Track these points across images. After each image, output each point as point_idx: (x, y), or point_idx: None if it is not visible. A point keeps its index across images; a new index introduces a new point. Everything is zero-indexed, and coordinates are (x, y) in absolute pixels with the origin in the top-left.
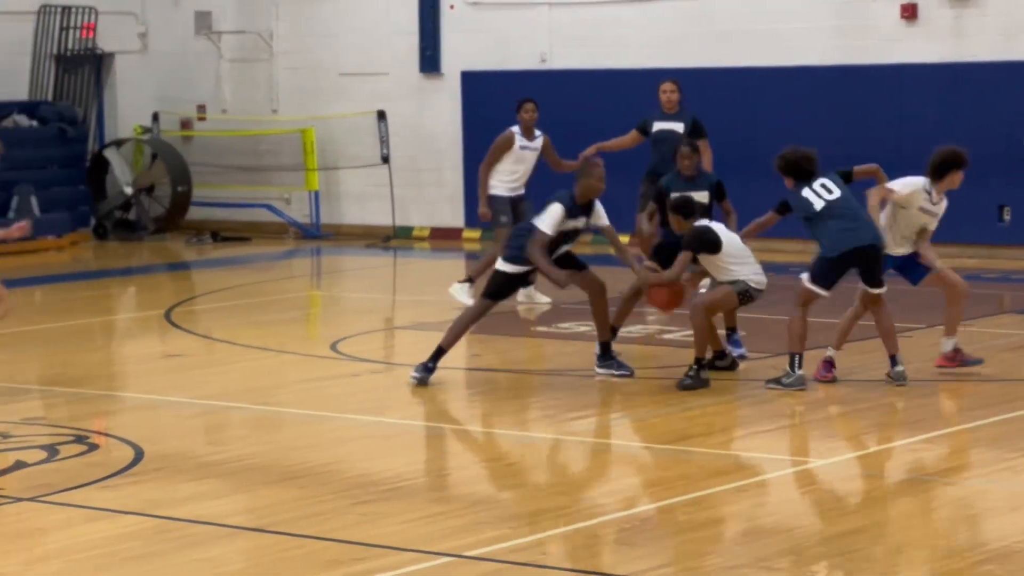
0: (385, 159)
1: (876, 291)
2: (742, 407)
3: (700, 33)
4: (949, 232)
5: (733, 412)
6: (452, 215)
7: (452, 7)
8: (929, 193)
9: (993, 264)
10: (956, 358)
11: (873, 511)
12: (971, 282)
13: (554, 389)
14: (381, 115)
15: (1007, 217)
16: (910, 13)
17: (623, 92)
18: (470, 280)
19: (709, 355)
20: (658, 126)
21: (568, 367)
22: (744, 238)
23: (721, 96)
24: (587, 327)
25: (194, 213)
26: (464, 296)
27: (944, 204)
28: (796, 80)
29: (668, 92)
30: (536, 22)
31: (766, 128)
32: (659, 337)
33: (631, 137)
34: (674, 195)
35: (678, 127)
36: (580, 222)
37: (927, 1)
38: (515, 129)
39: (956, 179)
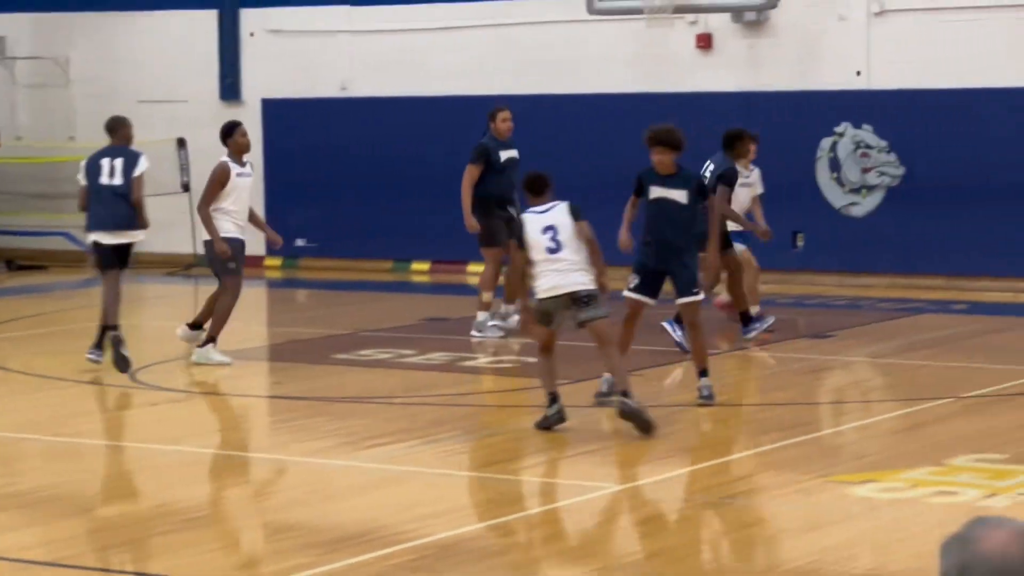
0: (186, 187)
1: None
2: (547, 432)
3: (501, 61)
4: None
5: (537, 437)
6: (253, 243)
7: (252, 34)
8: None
9: (787, 290)
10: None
11: (670, 534)
12: (766, 307)
13: (355, 416)
14: (181, 143)
15: (800, 243)
16: (705, 43)
17: (424, 119)
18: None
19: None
20: (505, 155)
21: (369, 394)
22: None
23: (522, 123)
24: (388, 354)
25: None
26: (216, 356)
27: (757, 172)
28: (595, 108)
29: (509, 120)
30: (337, 49)
31: (567, 155)
32: (459, 364)
33: (474, 172)
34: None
35: (516, 154)
36: None
37: (722, 31)
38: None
39: (750, 148)
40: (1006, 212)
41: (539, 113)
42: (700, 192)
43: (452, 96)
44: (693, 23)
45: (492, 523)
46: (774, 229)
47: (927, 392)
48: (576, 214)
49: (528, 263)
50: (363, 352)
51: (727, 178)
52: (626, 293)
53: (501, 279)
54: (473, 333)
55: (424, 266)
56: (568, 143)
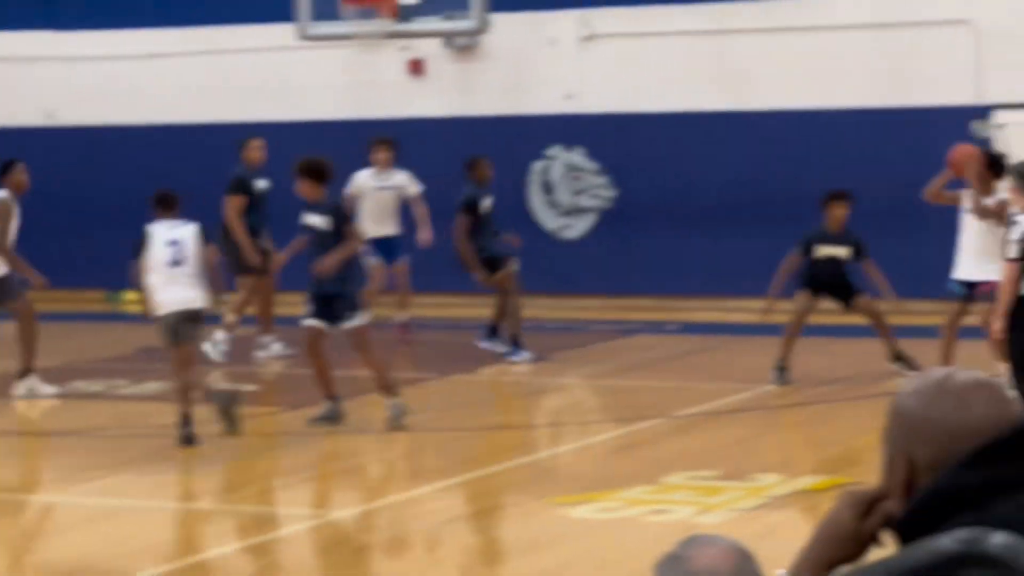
0: None
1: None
2: (262, 461)
3: (214, 88)
4: (464, 282)
5: (255, 467)
6: None
7: None
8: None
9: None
10: None
11: (392, 560)
12: (451, 332)
13: (66, 450)
14: None
15: (514, 267)
16: (417, 68)
17: (134, 148)
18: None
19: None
20: (261, 185)
21: (81, 427)
22: None
23: (234, 152)
24: (102, 386)
25: None
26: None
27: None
28: (308, 135)
29: (262, 148)
30: (42, 77)
31: (279, 183)
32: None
33: (236, 203)
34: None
35: (267, 183)
36: None
37: (434, 56)
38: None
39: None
40: (713, 233)
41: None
42: (340, 218)
43: (163, 125)
44: (404, 49)
45: (208, 555)
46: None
47: (642, 412)
48: (205, 238)
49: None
50: (76, 384)
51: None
52: (304, 322)
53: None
54: (206, 347)
55: (137, 296)
56: (281, 171)
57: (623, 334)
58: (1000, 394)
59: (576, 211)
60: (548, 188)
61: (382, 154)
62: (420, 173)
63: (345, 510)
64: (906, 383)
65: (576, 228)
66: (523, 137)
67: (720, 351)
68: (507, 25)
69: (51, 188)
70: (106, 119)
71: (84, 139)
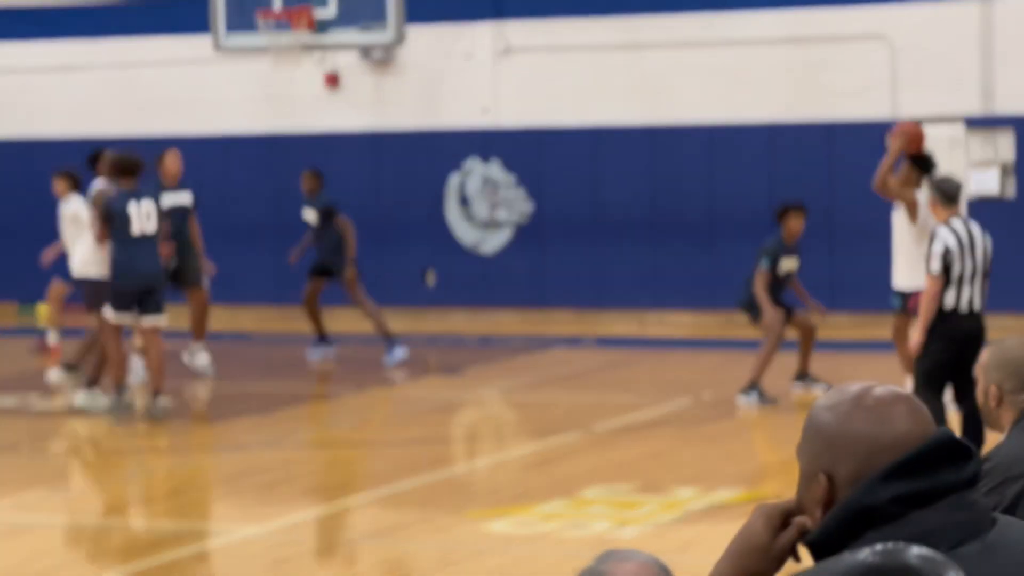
0: None
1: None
2: (172, 476)
3: (123, 102)
4: (380, 295)
5: (162, 483)
6: None
7: None
8: None
9: (417, 327)
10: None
11: None
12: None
13: None
14: None
15: (431, 280)
16: (333, 81)
17: (39, 162)
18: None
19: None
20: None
21: None
22: None
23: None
24: (14, 401)
25: None
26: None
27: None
28: (223, 149)
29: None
30: None
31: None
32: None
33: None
34: None
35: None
36: None
37: (350, 69)
38: None
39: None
40: (630, 246)
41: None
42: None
43: (75, 138)
44: (321, 61)
45: (120, 571)
46: (406, 266)
47: (558, 426)
48: None
49: None
50: None
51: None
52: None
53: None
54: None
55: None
56: (194, 186)
57: (540, 348)
58: (917, 407)
59: (493, 225)
60: (465, 201)
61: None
62: (337, 187)
63: (262, 525)
64: (822, 398)
65: (493, 242)
66: (439, 150)
67: (637, 365)
68: (423, 38)
69: None
70: (13, 132)
71: None
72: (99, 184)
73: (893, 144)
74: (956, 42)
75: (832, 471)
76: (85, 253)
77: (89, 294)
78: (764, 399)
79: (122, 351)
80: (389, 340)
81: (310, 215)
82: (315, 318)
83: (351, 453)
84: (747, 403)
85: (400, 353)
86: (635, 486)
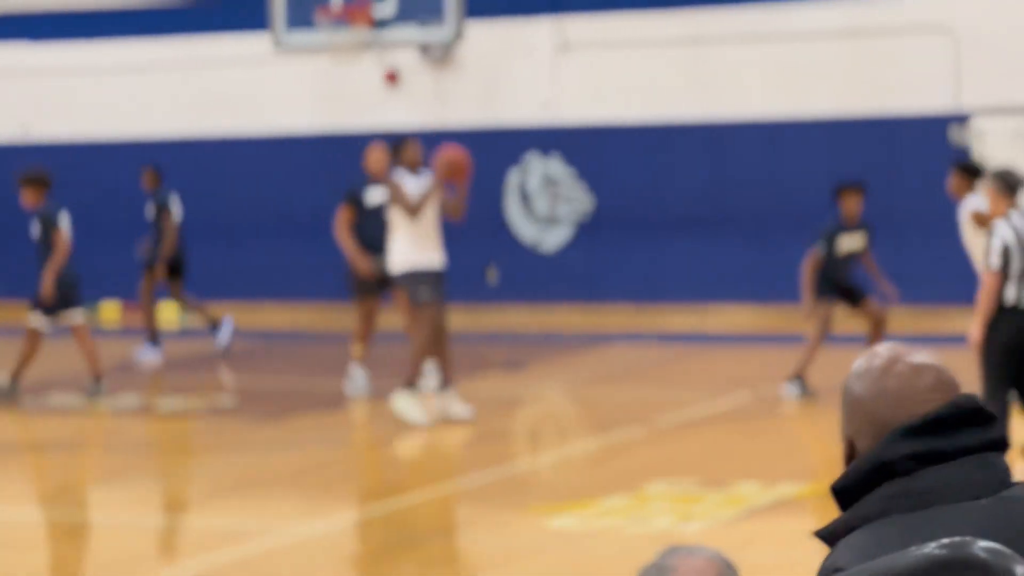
0: None
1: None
2: (241, 473)
3: (183, 101)
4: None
5: (231, 478)
6: None
7: None
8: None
9: (479, 323)
10: None
11: (372, 571)
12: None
13: (43, 463)
14: None
15: (493, 277)
16: (392, 78)
17: (108, 162)
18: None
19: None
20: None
21: (60, 440)
22: None
23: (203, 167)
24: (78, 400)
25: None
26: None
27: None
28: (282, 148)
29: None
30: (17, 90)
31: (253, 196)
32: (148, 408)
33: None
34: None
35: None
36: None
37: (409, 66)
38: None
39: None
40: (690, 241)
41: (224, 154)
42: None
43: (136, 138)
44: (380, 58)
45: (192, 566)
46: (466, 263)
47: (619, 421)
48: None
49: None
50: (51, 397)
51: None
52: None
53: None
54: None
55: (114, 308)
56: (255, 184)
57: (599, 343)
58: (944, 376)
59: (553, 221)
60: (525, 198)
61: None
62: None
63: (326, 522)
64: (855, 364)
65: (553, 238)
66: (499, 147)
67: (697, 359)
68: (482, 34)
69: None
70: (80, 133)
71: (60, 153)
72: None
73: (437, 174)
74: (1019, 33)
75: (855, 437)
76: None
77: None
78: (804, 391)
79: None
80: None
81: (151, 211)
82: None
83: (413, 450)
84: (789, 394)
85: (226, 333)
86: (697, 481)
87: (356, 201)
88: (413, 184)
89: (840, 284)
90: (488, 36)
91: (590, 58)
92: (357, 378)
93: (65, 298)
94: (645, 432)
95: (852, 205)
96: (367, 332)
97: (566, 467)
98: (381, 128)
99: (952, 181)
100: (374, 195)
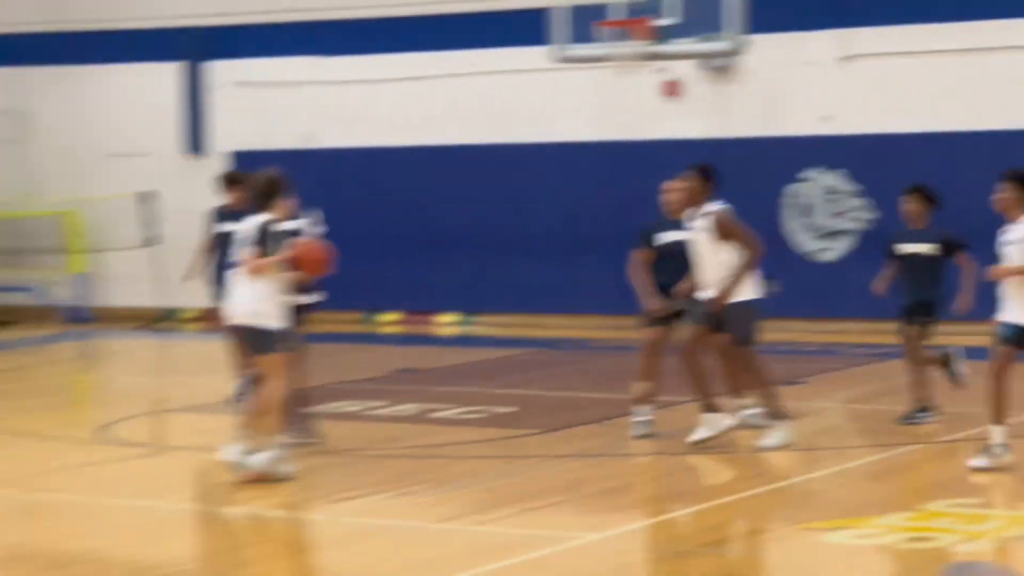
0: (152, 241)
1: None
2: (516, 483)
3: (468, 110)
4: None
5: (508, 489)
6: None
7: (219, 86)
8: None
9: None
10: None
11: None
12: None
13: (324, 469)
14: (147, 196)
15: (775, 289)
16: (672, 90)
17: (391, 169)
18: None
19: None
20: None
21: (339, 446)
22: None
23: (490, 171)
24: (357, 406)
25: None
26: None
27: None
28: (562, 157)
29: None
30: (304, 101)
31: (535, 204)
32: (428, 416)
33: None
34: None
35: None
36: None
37: (689, 77)
38: None
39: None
40: (977, 254)
41: (505, 163)
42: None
43: (419, 147)
44: (660, 70)
45: (465, 575)
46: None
47: (899, 437)
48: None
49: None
50: (332, 404)
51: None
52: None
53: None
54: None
55: (393, 317)
56: (535, 192)
57: (881, 358)
58: None
59: (834, 234)
60: (805, 211)
61: None
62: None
63: (600, 532)
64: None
65: (834, 251)
66: (779, 159)
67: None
68: (763, 46)
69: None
70: (365, 141)
71: (344, 161)
72: None
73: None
74: None
75: None
76: None
77: None
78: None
79: None
80: None
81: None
82: None
83: (689, 462)
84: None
85: None
86: (982, 500)
87: (649, 242)
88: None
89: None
90: (769, 48)
91: (872, 70)
92: (640, 416)
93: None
94: (926, 449)
95: (904, 208)
96: (651, 367)
97: (844, 482)
98: (660, 138)
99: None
100: (667, 235)
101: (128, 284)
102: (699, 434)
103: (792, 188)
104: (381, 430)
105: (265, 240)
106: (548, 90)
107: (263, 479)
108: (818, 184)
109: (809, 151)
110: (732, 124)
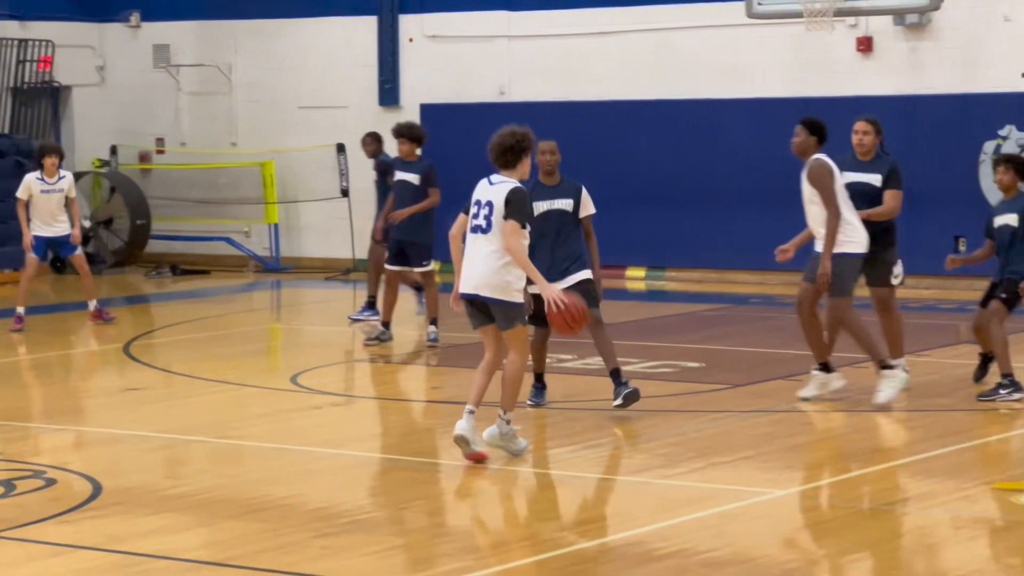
0: (345, 192)
1: None
2: (703, 437)
3: (658, 65)
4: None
5: (696, 443)
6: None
7: (411, 40)
8: None
9: (948, 295)
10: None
11: (830, 541)
12: (927, 312)
13: (513, 421)
14: (340, 148)
15: (962, 248)
16: (866, 46)
17: (581, 124)
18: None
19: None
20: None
21: (526, 399)
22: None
23: (682, 126)
24: (549, 359)
25: (153, 246)
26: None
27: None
28: (757, 112)
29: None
30: (496, 54)
31: (725, 160)
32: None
33: None
34: None
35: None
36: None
37: (883, 33)
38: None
39: None
40: None
41: (698, 118)
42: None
43: (611, 101)
44: (853, 26)
45: (652, 528)
46: (937, 234)
47: None
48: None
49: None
50: None
51: None
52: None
53: None
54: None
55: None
56: (728, 147)
57: None
58: None
59: None
60: None
61: None
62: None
63: (782, 490)
64: None
65: None
66: (974, 116)
67: None
68: (960, 1)
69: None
70: (556, 95)
71: (535, 114)
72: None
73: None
74: None
75: None
76: None
77: None
78: None
79: None
80: None
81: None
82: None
83: (875, 419)
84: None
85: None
86: None
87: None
88: None
89: None
90: (966, 4)
91: None
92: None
93: None
94: None
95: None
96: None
97: None
98: (855, 94)
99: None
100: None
101: (321, 234)
102: (808, 392)
103: (988, 145)
104: (570, 383)
105: (515, 208)
106: (741, 45)
107: (486, 457)
108: (1013, 141)
109: (1005, 108)
110: (927, 80)
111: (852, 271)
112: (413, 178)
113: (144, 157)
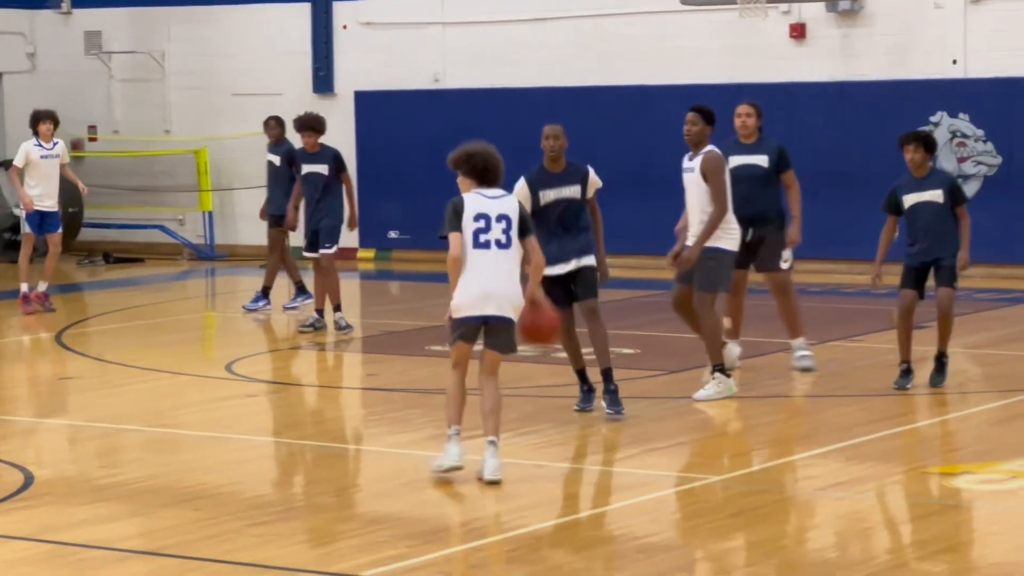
0: None
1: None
2: (639, 424)
3: (593, 52)
4: (841, 248)
5: (631, 429)
6: (345, 235)
7: (345, 27)
8: None
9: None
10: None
11: (766, 527)
12: (860, 298)
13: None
14: None
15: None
16: (799, 32)
17: (515, 111)
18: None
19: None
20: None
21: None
22: None
23: (616, 113)
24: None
25: (86, 234)
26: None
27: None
28: (687, 99)
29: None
30: (430, 41)
31: (656, 147)
32: (553, 356)
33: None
34: None
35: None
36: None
37: (816, 20)
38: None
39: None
40: None
41: (631, 104)
42: None
43: (545, 87)
44: (786, 13)
45: (586, 514)
46: (870, 219)
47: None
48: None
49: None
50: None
51: None
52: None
53: None
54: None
55: None
56: (661, 134)
57: (1007, 304)
58: None
59: (959, 178)
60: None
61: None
62: (799, 138)
63: (716, 476)
64: None
65: None
66: (906, 103)
67: None
68: None
69: (437, 150)
70: (490, 82)
71: (469, 102)
72: None
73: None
74: None
75: None
76: None
77: None
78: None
79: None
80: None
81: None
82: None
83: (809, 405)
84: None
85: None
86: None
87: None
88: None
89: None
90: None
91: (1002, 12)
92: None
93: None
94: None
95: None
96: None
97: (967, 427)
98: (787, 81)
99: None
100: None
101: (256, 222)
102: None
103: None
104: (508, 369)
105: (530, 223)
106: (675, 32)
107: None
108: (944, 128)
109: (936, 94)
110: (859, 67)
111: (726, 268)
112: (322, 168)
113: (76, 145)
